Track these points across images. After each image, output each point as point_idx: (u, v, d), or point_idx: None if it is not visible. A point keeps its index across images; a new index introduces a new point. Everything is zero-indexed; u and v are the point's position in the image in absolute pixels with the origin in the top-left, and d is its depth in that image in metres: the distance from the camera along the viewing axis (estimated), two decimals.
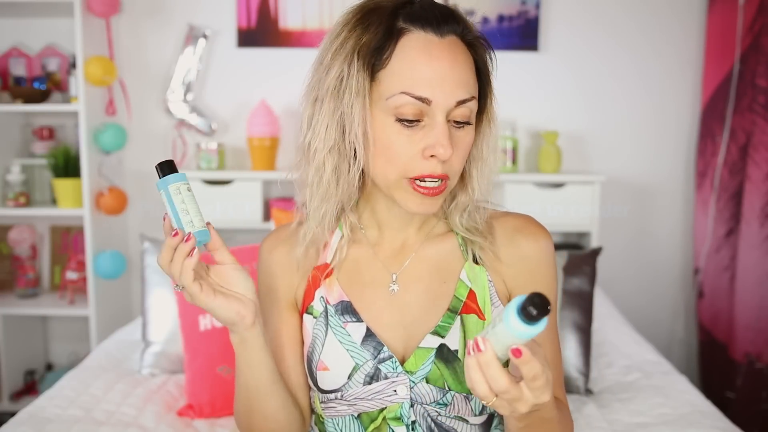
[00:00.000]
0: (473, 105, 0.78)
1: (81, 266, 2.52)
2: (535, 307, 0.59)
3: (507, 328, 0.62)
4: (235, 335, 0.81)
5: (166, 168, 0.77)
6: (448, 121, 0.77)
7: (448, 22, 0.78)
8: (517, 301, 0.61)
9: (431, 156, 0.76)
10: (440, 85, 0.75)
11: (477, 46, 0.81)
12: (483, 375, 0.63)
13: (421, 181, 0.78)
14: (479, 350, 0.63)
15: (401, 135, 0.77)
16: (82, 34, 2.28)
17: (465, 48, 0.79)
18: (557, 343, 0.90)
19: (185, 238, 0.75)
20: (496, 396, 0.64)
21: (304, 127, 0.83)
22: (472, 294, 0.87)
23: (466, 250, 0.88)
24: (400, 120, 0.77)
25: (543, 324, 0.61)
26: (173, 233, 0.75)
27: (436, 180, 0.78)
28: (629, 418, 1.41)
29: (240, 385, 0.86)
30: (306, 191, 0.85)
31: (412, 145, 0.77)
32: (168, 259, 0.75)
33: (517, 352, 0.61)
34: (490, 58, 0.83)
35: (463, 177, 0.86)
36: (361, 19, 0.78)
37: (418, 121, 0.77)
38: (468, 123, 0.79)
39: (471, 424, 0.87)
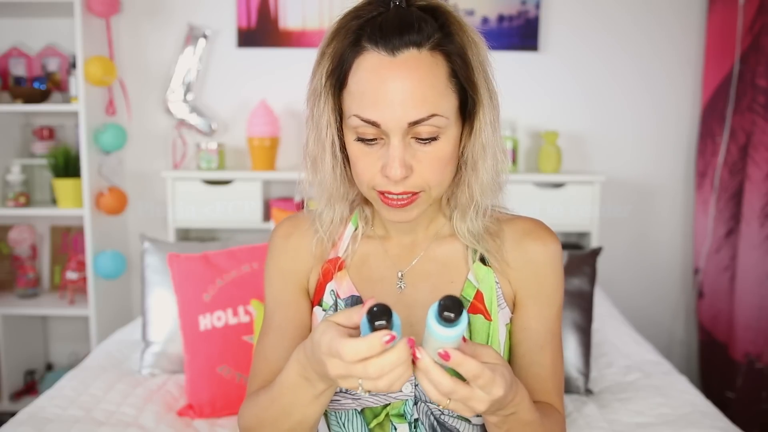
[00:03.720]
0: (438, 122, 0.75)
1: (81, 266, 2.52)
2: (450, 310, 0.62)
3: (433, 335, 0.64)
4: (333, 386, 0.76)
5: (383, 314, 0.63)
6: (412, 138, 0.76)
7: (404, 34, 0.73)
8: (434, 308, 0.63)
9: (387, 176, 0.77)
10: (389, 108, 0.73)
11: (451, 55, 0.76)
12: (428, 381, 0.66)
13: (388, 194, 0.79)
14: (417, 358, 0.65)
15: (363, 152, 0.78)
16: (82, 34, 2.28)
17: (433, 59, 0.75)
18: (559, 350, 0.90)
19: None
20: (450, 399, 0.66)
21: (304, 129, 0.86)
22: (479, 294, 0.87)
23: (474, 251, 0.89)
24: (360, 139, 0.78)
25: (463, 322, 0.63)
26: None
27: (401, 195, 0.78)
28: (629, 418, 1.41)
29: (286, 418, 0.79)
30: (311, 190, 0.88)
31: (372, 163, 0.78)
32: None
33: (445, 356, 0.64)
34: (471, 65, 0.77)
35: (463, 182, 0.85)
36: (335, 33, 0.78)
37: (377, 139, 0.77)
38: (435, 138, 0.77)
39: (473, 424, 0.88)
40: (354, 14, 0.77)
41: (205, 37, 2.46)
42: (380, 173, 0.77)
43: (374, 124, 0.75)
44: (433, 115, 0.74)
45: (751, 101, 2.25)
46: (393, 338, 0.62)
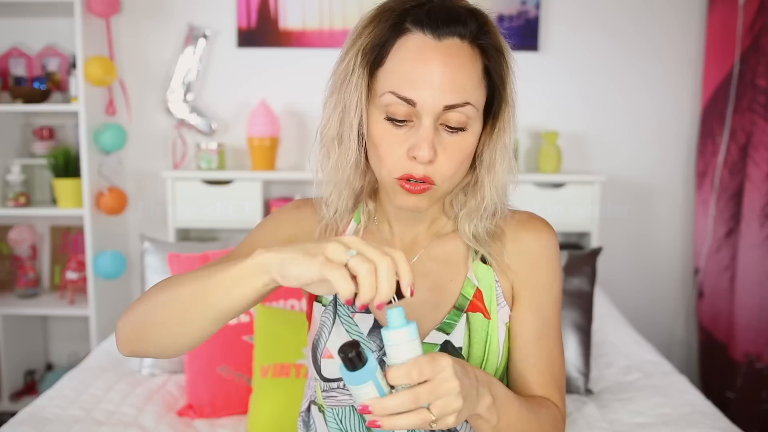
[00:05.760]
0: (469, 111, 0.77)
1: (81, 266, 2.52)
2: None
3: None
4: (273, 283, 0.67)
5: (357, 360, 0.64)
6: (441, 124, 0.77)
7: (450, 24, 0.76)
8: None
9: (414, 157, 0.77)
10: (428, 88, 0.75)
11: (489, 50, 0.79)
12: (395, 416, 0.64)
13: (407, 178, 0.79)
14: (378, 425, 0.64)
15: (390, 134, 0.78)
16: (82, 34, 2.28)
17: (472, 52, 0.78)
18: (557, 342, 0.89)
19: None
20: (431, 414, 0.64)
21: (322, 114, 0.85)
22: (478, 293, 0.87)
23: (475, 250, 0.89)
24: (389, 119, 0.78)
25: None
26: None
27: (418, 180, 0.78)
28: (629, 418, 1.41)
29: (198, 296, 0.70)
30: (321, 173, 0.87)
31: (399, 145, 0.78)
32: None
33: (374, 425, 0.64)
34: (506, 64, 0.81)
35: (476, 183, 0.86)
36: (376, 15, 0.79)
37: (407, 121, 0.77)
38: (462, 129, 0.78)
39: (470, 423, 0.87)
40: (396, 1, 0.79)
41: (205, 37, 2.46)
42: (405, 156, 0.77)
43: (410, 102, 0.75)
44: (467, 103, 0.76)
45: (751, 101, 2.25)
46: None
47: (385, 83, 0.77)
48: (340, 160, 0.83)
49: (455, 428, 0.86)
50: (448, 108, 0.75)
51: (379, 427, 0.64)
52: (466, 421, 0.83)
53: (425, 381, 0.64)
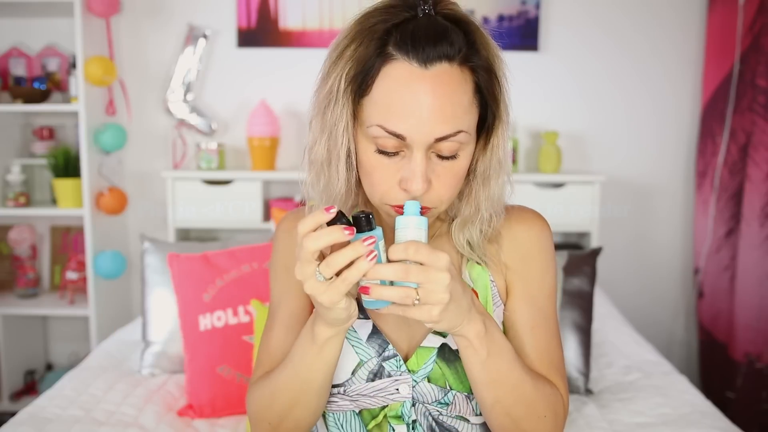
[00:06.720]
0: (462, 138, 0.74)
1: (81, 266, 2.52)
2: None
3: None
4: (331, 330, 0.76)
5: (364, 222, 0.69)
6: (433, 152, 0.75)
7: (437, 45, 0.71)
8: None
9: (406, 189, 0.75)
10: (417, 122, 0.71)
11: (478, 68, 0.75)
12: (384, 287, 0.67)
13: (400, 207, 0.77)
14: (368, 292, 0.67)
15: (381, 164, 0.76)
16: (82, 34, 2.28)
17: (462, 74, 0.74)
18: (553, 332, 0.88)
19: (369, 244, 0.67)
20: (417, 298, 0.66)
21: (307, 132, 0.83)
22: (473, 294, 0.87)
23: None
24: (380, 151, 0.76)
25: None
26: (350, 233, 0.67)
27: None
28: (629, 418, 1.41)
29: (295, 378, 0.81)
30: (312, 193, 0.85)
31: (391, 175, 0.76)
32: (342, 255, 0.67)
33: (365, 290, 0.68)
34: (498, 82, 0.77)
35: (470, 194, 0.84)
36: (358, 33, 0.75)
37: (398, 152, 0.75)
38: (454, 157, 0.76)
39: (472, 424, 0.88)
40: (378, 16, 0.74)
41: (205, 37, 2.46)
42: (398, 186, 0.76)
43: (399, 136, 0.73)
44: (459, 132, 0.74)
45: (751, 101, 2.25)
46: (353, 233, 0.66)
47: (372, 115, 0.74)
48: (330, 186, 0.81)
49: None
50: (440, 139, 0.73)
51: (367, 293, 0.67)
52: (460, 368, 0.84)
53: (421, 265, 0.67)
